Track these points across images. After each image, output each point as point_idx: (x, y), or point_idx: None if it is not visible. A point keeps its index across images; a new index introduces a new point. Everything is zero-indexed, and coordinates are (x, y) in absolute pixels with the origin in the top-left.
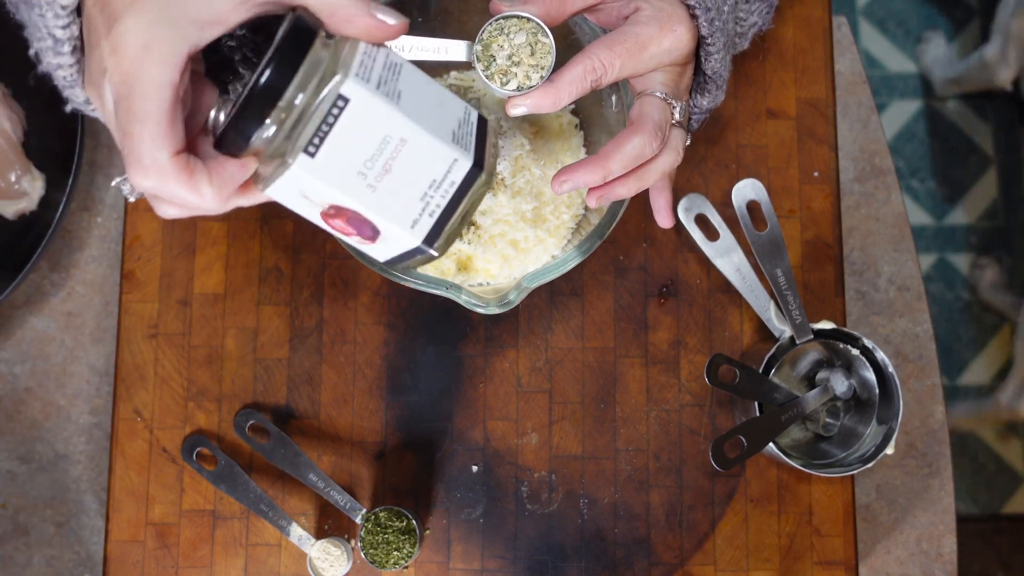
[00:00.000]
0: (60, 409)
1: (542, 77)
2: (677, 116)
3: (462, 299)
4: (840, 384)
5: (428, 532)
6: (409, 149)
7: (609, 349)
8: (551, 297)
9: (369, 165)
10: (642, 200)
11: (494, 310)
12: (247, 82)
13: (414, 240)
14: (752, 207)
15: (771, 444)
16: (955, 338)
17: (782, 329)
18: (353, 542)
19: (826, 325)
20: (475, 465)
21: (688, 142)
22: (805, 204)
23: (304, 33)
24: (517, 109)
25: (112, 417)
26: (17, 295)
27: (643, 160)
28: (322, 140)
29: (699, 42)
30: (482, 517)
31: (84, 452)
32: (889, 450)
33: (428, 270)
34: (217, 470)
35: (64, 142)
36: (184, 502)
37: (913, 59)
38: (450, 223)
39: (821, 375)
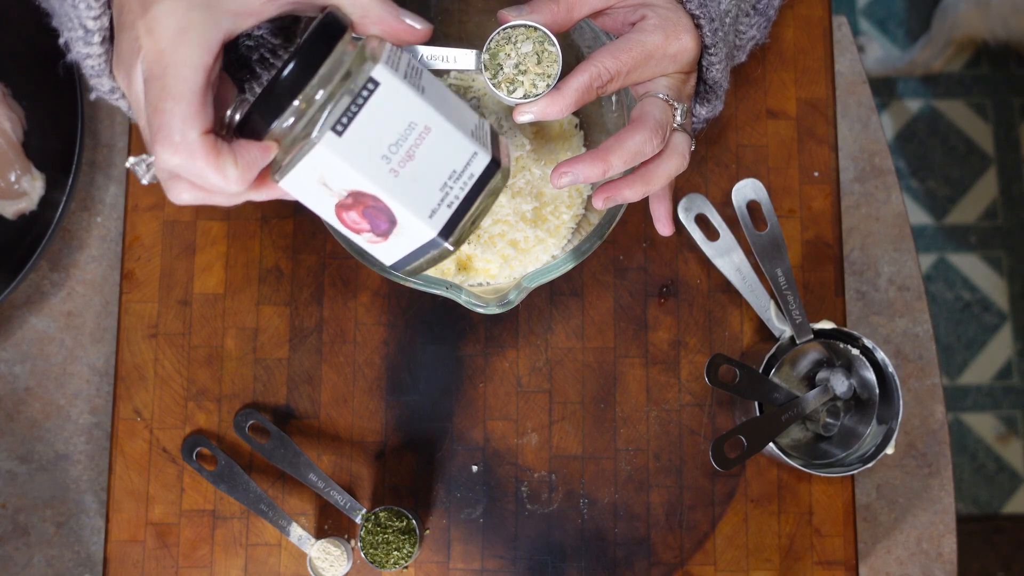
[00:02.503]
0: (60, 409)
1: (548, 85)
2: (679, 118)
3: (462, 299)
4: (840, 384)
5: (428, 532)
6: (433, 138)
7: (609, 349)
8: (551, 297)
9: (393, 150)
10: (642, 201)
11: (494, 310)
12: (276, 69)
13: (431, 231)
14: (752, 207)
15: (771, 444)
16: (955, 338)
17: (782, 329)
18: (353, 542)
19: (826, 325)
20: (475, 465)
21: (693, 147)
22: (805, 204)
23: (334, 29)
24: (524, 116)
25: (112, 417)
26: (17, 295)
27: (644, 157)
28: (350, 120)
29: (702, 51)
30: (482, 517)
31: (84, 452)
32: (889, 450)
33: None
34: (217, 470)
35: (64, 142)
36: (184, 502)
37: None
38: (465, 218)
39: (821, 375)
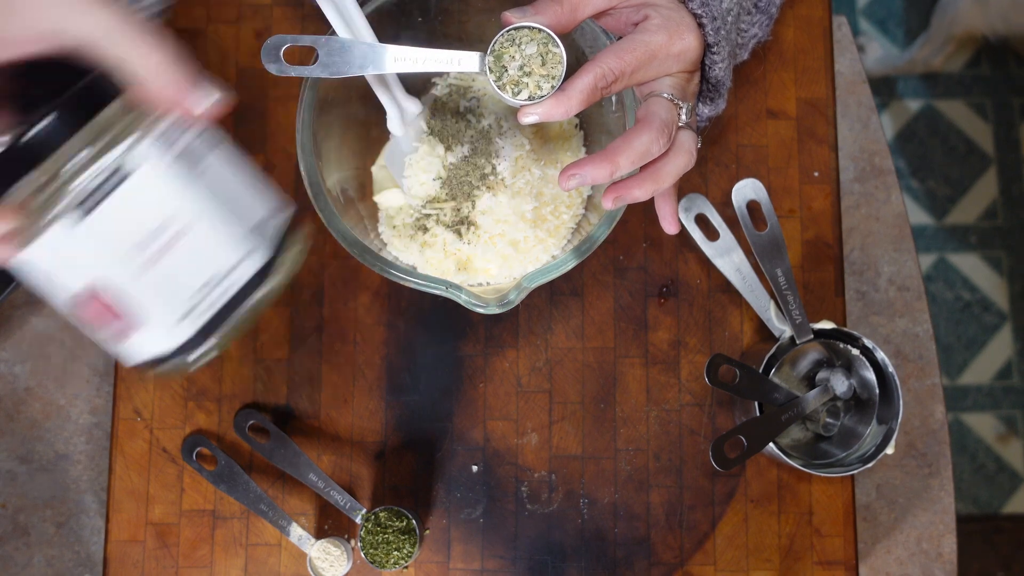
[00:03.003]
0: (60, 409)
1: (553, 87)
2: (684, 117)
3: (462, 299)
4: (840, 384)
5: (428, 532)
6: (195, 234)
7: (609, 349)
8: (551, 297)
9: (145, 243)
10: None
11: (494, 310)
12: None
13: (174, 339)
14: (752, 207)
15: (771, 444)
16: (955, 338)
17: (782, 329)
18: (353, 542)
19: (826, 325)
20: (475, 465)
21: (699, 145)
22: (805, 204)
23: (102, 89)
24: (529, 118)
25: (112, 417)
26: (17, 295)
27: (651, 157)
28: (97, 204)
29: (704, 50)
30: (482, 517)
31: (84, 452)
32: (889, 450)
33: (428, 270)
34: (217, 470)
35: None
36: (184, 502)
37: None
38: (226, 323)
39: (821, 375)
